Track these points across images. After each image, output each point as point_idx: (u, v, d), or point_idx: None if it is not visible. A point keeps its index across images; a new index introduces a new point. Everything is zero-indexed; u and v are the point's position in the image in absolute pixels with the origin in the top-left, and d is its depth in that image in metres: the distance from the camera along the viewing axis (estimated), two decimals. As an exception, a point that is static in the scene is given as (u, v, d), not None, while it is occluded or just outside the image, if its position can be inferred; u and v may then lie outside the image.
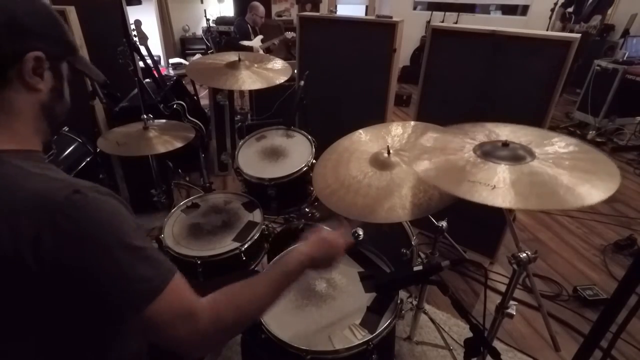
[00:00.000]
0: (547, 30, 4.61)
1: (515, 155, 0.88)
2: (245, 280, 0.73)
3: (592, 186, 0.76)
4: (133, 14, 2.75)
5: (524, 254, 0.92)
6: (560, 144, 0.92)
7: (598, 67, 3.72)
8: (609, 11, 4.94)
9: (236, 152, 1.70)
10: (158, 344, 0.62)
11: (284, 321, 0.98)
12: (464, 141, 0.98)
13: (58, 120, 0.71)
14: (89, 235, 0.55)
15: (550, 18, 4.62)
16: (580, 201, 0.74)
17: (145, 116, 1.64)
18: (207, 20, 5.21)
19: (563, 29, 4.31)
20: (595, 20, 4.19)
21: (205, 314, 0.62)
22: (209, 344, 0.65)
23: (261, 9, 4.35)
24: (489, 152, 0.91)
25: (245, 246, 1.34)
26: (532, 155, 0.88)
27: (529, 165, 0.85)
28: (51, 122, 0.69)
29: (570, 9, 4.41)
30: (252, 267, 1.40)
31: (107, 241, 0.56)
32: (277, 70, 1.71)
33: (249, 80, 1.61)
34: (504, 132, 1.00)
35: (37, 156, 0.65)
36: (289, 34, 4.45)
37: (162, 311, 0.58)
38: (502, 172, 0.83)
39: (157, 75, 2.74)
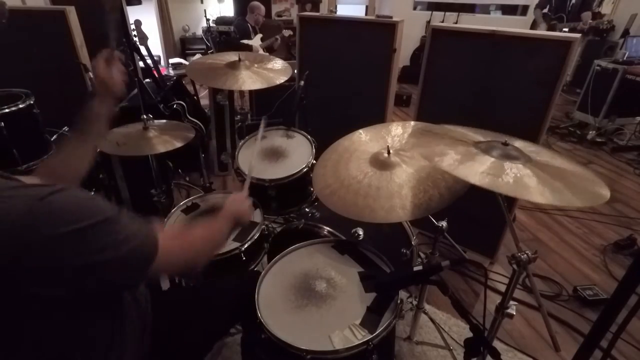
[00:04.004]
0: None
1: (508, 154, 0.90)
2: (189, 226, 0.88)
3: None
4: (133, 14, 2.76)
5: (524, 254, 0.92)
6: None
7: (598, 67, 3.72)
8: (610, 11, 4.95)
9: (236, 152, 1.70)
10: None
11: (284, 321, 0.98)
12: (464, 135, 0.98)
13: None
14: (74, 229, 0.55)
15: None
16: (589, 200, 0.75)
17: (145, 116, 1.63)
18: (207, 20, 5.22)
19: (549, 29, 4.29)
20: (588, 17, 4.17)
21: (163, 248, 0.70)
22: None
23: (263, 8, 4.36)
24: (490, 149, 0.92)
25: (245, 246, 1.34)
26: (528, 160, 0.89)
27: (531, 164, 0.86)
28: None
29: (546, 9, 4.40)
30: (252, 267, 1.40)
31: (93, 223, 0.57)
32: (277, 70, 1.71)
33: (249, 80, 1.60)
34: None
35: None
36: (286, 32, 4.46)
37: (163, 252, 0.68)
38: (509, 168, 0.85)
39: (157, 75, 2.74)
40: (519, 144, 0.98)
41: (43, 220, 0.53)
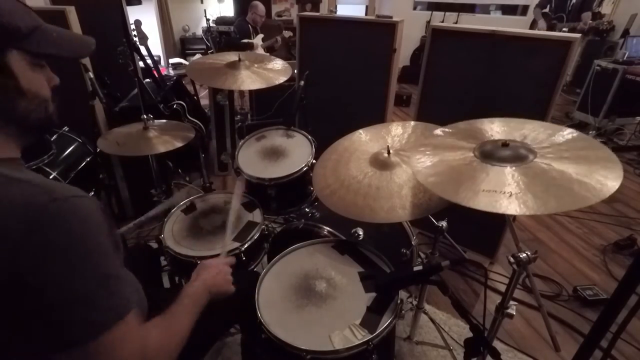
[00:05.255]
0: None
1: (517, 155, 0.88)
2: (170, 311, 0.75)
3: (601, 176, 0.76)
4: (133, 14, 2.75)
5: (524, 254, 0.92)
6: (556, 136, 0.92)
7: (598, 67, 3.72)
8: (610, 11, 4.94)
9: (236, 152, 1.70)
10: None
11: (284, 321, 0.98)
12: (460, 144, 0.98)
13: (30, 120, 0.63)
14: (57, 250, 0.53)
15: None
16: (596, 195, 0.73)
17: (145, 116, 1.63)
18: (207, 20, 5.21)
19: (549, 29, 4.28)
20: (588, 17, 4.16)
21: (152, 348, 0.63)
22: None
23: (261, 7, 4.35)
24: (490, 154, 0.90)
25: (245, 246, 1.34)
26: (533, 152, 0.87)
27: (534, 164, 0.84)
28: (20, 123, 0.62)
29: (547, 9, 4.40)
30: (252, 267, 1.40)
31: (73, 258, 0.54)
32: (277, 70, 1.71)
33: (248, 80, 1.61)
34: (496, 128, 1.01)
35: (13, 163, 0.61)
36: (287, 33, 4.46)
37: (114, 343, 0.56)
38: (511, 176, 0.82)
39: (157, 75, 2.75)
40: (526, 129, 0.97)
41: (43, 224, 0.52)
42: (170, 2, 5.88)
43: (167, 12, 5.90)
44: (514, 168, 0.84)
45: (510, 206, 0.75)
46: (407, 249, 1.40)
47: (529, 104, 1.66)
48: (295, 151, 1.69)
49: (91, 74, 1.70)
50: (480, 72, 1.76)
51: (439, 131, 1.08)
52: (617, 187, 0.73)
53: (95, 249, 0.57)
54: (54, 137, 1.97)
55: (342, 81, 2.24)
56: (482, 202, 0.77)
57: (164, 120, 1.74)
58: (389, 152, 1.19)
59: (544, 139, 0.92)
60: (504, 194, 0.78)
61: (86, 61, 2.05)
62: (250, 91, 2.89)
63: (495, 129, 1.01)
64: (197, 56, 5.13)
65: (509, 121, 1.03)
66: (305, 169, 1.57)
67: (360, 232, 1.30)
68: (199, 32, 6.26)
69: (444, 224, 1.22)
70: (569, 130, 0.94)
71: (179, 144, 1.55)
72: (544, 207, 0.73)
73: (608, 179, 0.75)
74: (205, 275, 0.92)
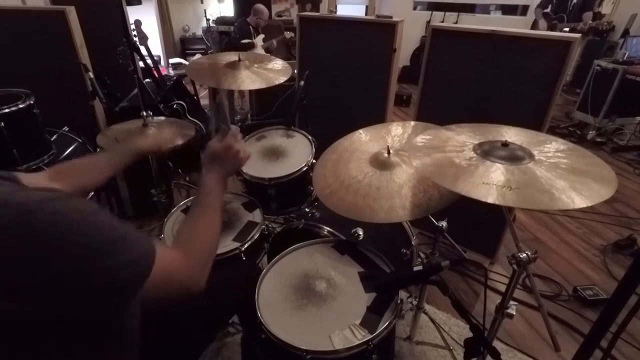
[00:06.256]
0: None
1: (513, 155, 0.88)
2: (191, 219, 0.83)
3: (582, 191, 0.77)
4: (133, 14, 2.76)
5: (524, 254, 0.92)
6: (559, 147, 0.92)
7: (598, 67, 3.72)
8: (610, 11, 4.94)
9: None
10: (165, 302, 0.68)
11: (284, 321, 0.98)
12: (463, 141, 0.98)
13: None
14: (58, 253, 0.49)
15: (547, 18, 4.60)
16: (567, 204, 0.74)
17: (144, 113, 1.63)
18: (207, 20, 5.22)
19: (550, 29, 4.29)
20: (589, 17, 4.17)
21: (184, 263, 0.71)
22: (199, 276, 0.76)
23: (266, 12, 4.35)
24: (488, 151, 0.91)
25: (245, 246, 1.34)
26: (531, 156, 0.88)
27: (526, 167, 0.85)
28: None
29: (548, 9, 4.40)
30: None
31: (81, 250, 0.51)
32: (277, 70, 1.71)
33: (248, 80, 1.61)
34: (509, 134, 1.01)
35: None
36: (288, 34, 4.46)
37: (156, 281, 0.61)
38: (499, 172, 0.83)
39: (157, 75, 2.75)
40: (519, 137, 0.97)
41: (32, 233, 0.48)
42: (170, 2, 5.88)
43: (167, 12, 5.90)
44: (511, 166, 0.85)
45: (503, 198, 0.77)
46: (407, 249, 1.40)
47: (529, 104, 1.66)
48: (295, 151, 1.69)
49: (91, 74, 1.70)
50: (480, 72, 1.76)
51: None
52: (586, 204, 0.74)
53: (92, 226, 0.54)
54: (54, 137, 1.97)
55: (342, 81, 2.24)
56: (480, 193, 0.79)
57: (163, 117, 1.74)
58: (389, 152, 1.19)
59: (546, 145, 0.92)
60: (502, 187, 0.79)
61: (86, 61, 2.06)
62: (250, 91, 2.90)
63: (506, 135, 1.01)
64: (197, 56, 5.14)
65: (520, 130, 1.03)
66: (305, 169, 1.57)
67: (360, 232, 1.30)
68: (199, 32, 6.26)
69: (444, 224, 1.22)
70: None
71: (178, 142, 1.54)
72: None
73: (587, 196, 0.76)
74: (217, 167, 0.92)
